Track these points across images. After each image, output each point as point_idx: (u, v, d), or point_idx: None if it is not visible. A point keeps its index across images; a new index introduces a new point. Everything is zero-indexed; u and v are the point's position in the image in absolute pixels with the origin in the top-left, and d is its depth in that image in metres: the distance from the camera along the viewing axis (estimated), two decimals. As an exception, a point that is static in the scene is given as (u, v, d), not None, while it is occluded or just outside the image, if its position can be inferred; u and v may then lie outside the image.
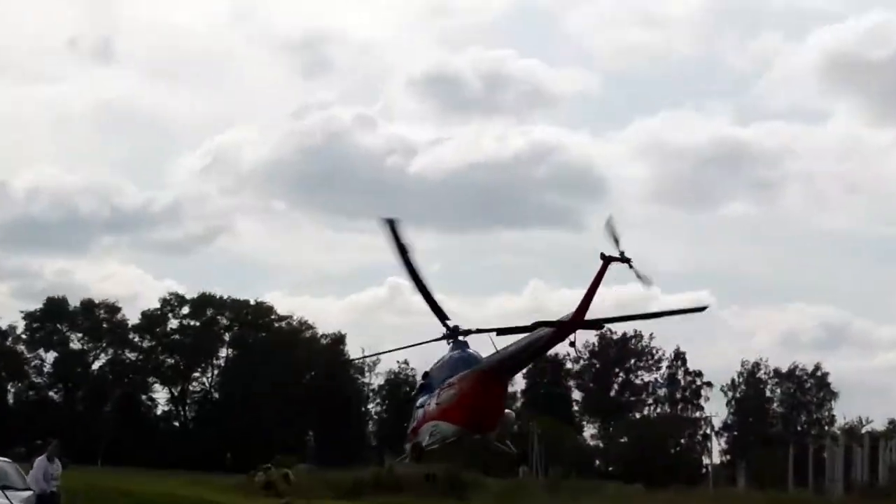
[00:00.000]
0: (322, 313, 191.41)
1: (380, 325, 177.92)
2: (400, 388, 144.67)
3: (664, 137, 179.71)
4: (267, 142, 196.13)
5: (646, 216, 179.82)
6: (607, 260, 13.34)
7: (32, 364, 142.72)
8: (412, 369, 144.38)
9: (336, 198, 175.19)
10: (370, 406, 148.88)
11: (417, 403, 16.62)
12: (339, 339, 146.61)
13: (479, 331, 15.62)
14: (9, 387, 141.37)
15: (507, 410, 13.18)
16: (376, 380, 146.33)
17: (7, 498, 17.10)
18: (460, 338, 16.08)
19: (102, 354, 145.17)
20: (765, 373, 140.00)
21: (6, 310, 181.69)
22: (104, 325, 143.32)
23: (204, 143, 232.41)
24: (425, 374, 16.03)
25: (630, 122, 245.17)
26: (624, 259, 13.33)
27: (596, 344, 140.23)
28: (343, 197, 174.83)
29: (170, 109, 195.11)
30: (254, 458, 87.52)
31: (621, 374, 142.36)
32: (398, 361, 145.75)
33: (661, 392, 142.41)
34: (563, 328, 13.71)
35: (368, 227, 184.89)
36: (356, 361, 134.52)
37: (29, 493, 23.88)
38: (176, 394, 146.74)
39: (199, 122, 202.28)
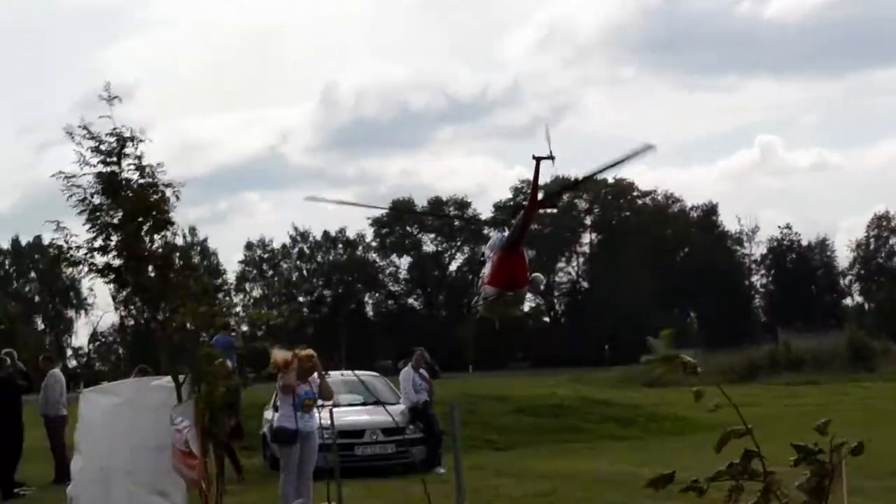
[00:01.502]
0: (689, 184, 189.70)
1: (754, 189, 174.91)
2: (785, 256, 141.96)
3: None
4: (605, 2, 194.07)
5: None
6: (538, 160, 17.40)
7: (387, 272, 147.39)
8: (796, 234, 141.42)
9: (689, 55, 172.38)
10: (754, 279, 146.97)
11: (480, 276, 21.98)
12: (710, 210, 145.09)
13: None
14: (366, 298, 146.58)
15: (535, 274, 20.25)
16: (757, 249, 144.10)
17: (386, 410, 17.95)
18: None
19: (458, 254, 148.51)
20: None
21: (353, 219, 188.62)
22: (456, 223, 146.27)
23: (535, 13, 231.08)
24: (482, 254, 22.02)
25: None
26: (551, 157, 17.46)
27: None
28: (697, 53, 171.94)
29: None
30: (633, 348, 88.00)
31: None
32: (780, 227, 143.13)
33: None
34: (526, 213, 18.85)
35: (729, 83, 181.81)
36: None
37: (401, 406, 24.64)
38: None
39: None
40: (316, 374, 16.96)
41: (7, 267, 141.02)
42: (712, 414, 4.19)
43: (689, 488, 4.14)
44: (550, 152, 17.41)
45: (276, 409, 18.28)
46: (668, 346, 3.92)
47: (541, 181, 19.12)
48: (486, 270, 19.65)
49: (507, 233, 19.44)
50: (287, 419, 16.65)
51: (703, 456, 4.21)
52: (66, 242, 14.14)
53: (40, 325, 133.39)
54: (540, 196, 19.68)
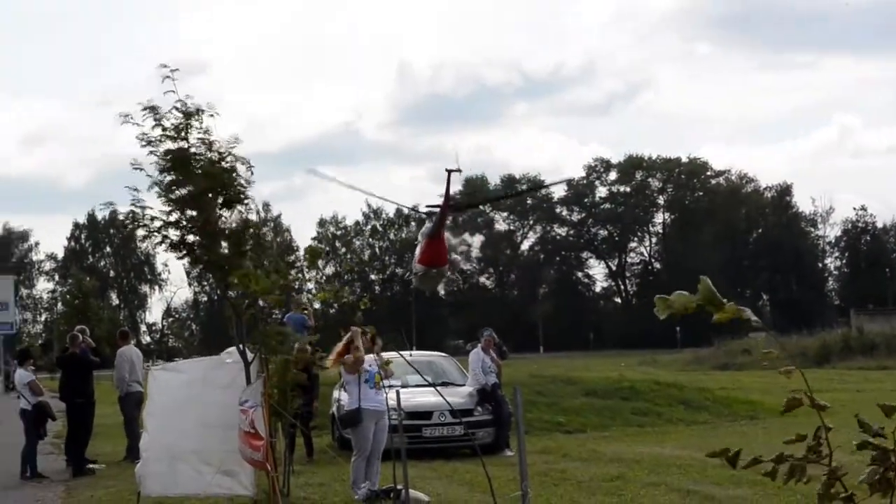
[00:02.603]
0: (764, 163, 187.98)
1: (830, 169, 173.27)
2: (859, 238, 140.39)
3: None
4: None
5: None
6: (449, 172, 20.50)
7: (459, 250, 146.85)
8: (871, 216, 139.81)
9: (764, 31, 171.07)
10: (828, 261, 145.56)
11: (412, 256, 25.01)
12: (785, 190, 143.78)
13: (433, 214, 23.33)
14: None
15: (454, 256, 25.09)
16: (832, 231, 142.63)
17: (441, 395, 17.79)
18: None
19: (531, 233, 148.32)
20: None
21: (425, 195, 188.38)
22: (529, 202, 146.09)
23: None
24: (416, 238, 26.61)
25: None
26: (458, 170, 20.72)
27: None
28: (772, 30, 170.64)
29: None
30: (706, 331, 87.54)
31: None
32: (855, 209, 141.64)
33: None
34: (440, 214, 22.05)
35: (805, 60, 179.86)
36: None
37: (469, 388, 24.55)
38: (614, 268, 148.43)
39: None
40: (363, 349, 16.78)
41: (83, 241, 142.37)
42: (784, 398, 4.15)
43: (750, 464, 4.16)
44: (458, 166, 20.94)
45: (344, 389, 18.20)
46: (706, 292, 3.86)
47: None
48: (417, 252, 23.80)
49: (429, 223, 23.29)
50: (356, 400, 16.59)
51: (774, 441, 4.18)
52: (142, 210, 14.14)
53: (115, 301, 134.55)
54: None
